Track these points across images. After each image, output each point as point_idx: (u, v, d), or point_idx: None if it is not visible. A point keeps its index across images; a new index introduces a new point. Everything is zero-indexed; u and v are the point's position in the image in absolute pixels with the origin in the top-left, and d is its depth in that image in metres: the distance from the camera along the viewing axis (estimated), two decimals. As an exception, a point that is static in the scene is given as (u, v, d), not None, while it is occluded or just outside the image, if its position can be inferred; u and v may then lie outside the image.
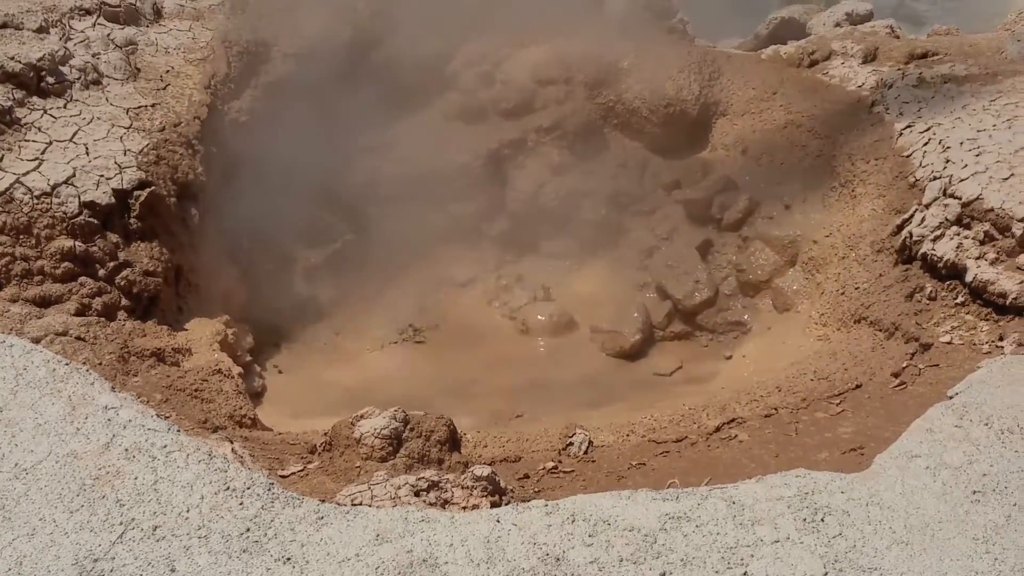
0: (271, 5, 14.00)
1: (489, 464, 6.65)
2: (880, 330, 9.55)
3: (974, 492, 5.15)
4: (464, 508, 5.56)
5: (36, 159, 9.63)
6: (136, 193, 9.93)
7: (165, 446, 5.05)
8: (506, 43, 14.92)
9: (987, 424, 5.72)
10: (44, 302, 9.07)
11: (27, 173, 9.42)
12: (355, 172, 13.62)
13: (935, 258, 9.26)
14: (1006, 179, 9.27)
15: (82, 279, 9.35)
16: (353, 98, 13.35)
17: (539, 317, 13.45)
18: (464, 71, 14.75)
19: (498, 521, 4.85)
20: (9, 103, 10.06)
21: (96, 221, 9.55)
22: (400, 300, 13.61)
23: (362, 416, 6.82)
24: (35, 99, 10.40)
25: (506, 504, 5.71)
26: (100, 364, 8.29)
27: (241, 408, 8.78)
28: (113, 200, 9.69)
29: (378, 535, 4.70)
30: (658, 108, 14.38)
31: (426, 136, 14.13)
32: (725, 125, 14.36)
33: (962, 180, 9.57)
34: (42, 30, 11.32)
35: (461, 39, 14.80)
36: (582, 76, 14.66)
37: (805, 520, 4.88)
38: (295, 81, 13.23)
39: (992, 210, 9.01)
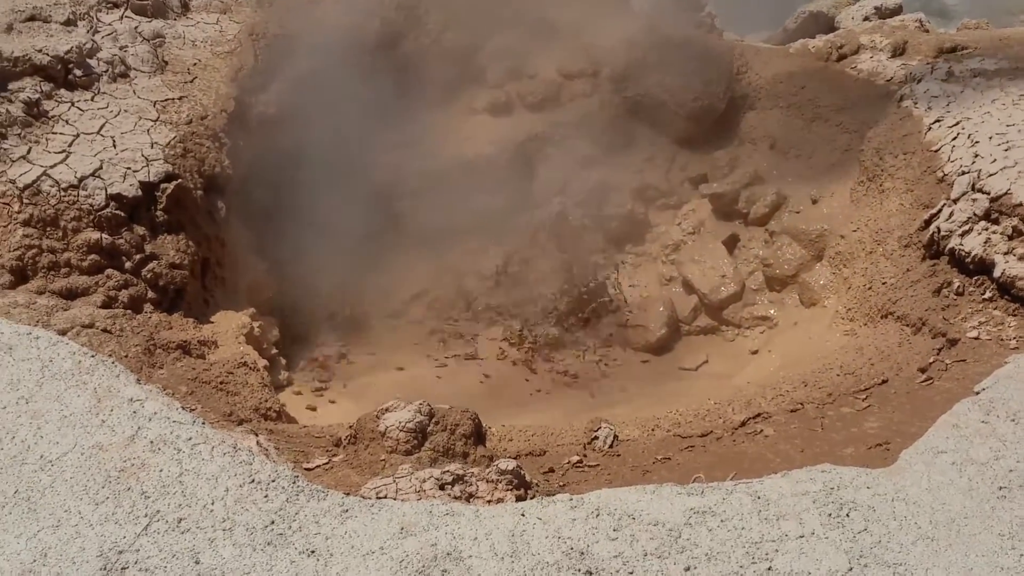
0: (298, -2, 14.04)
1: (514, 458, 6.64)
2: (907, 325, 9.50)
3: (1000, 488, 5.12)
4: (489, 502, 5.55)
5: (63, 151, 9.66)
6: (163, 186, 9.95)
7: (190, 439, 5.06)
8: (533, 37, 14.90)
9: (1014, 420, 5.69)
10: (71, 294, 9.09)
11: (54, 165, 9.45)
12: (382, 165, 13.63)
13: (963, 253, 9.20)
14: (1035, 174, 9.23)
15: (108, 271, 9.37)
16: (380, 91, 13.35)
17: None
18: (491, 64, 14.74)
19: (523, 515, 4.84)
20: (37, 96, 10.09)
21: (123, 214, 9.57)
22: (426, 290, 13.65)
23: (387, 409, 6.82)
24: (63, 92, 10.42)
25: (531, 498, 5.70)
26: (126, 356, 8.31)
27: (266, 401, 8.80)
28: (140, 193, 9.71)
29: (403, 528, 4.71)
30: (685, 102, 14.34)
31: (453, 129, 14.12)
32: (753, 119, 14.32)
33: (991, 175, 9.51)
34: (70, 23, 11.35)
35: (488, 32, 14.78)
36: (609, 70, 14.63)
37: (830, 515, 4.86)
38: (322, 74, 13.23)
39: (1021, 205, 8.95)
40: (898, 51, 14.41)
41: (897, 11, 16.85)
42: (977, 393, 6.20)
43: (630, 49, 14.63)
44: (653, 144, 14.65)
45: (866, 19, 16.72)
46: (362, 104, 13.15)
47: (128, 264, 9.54)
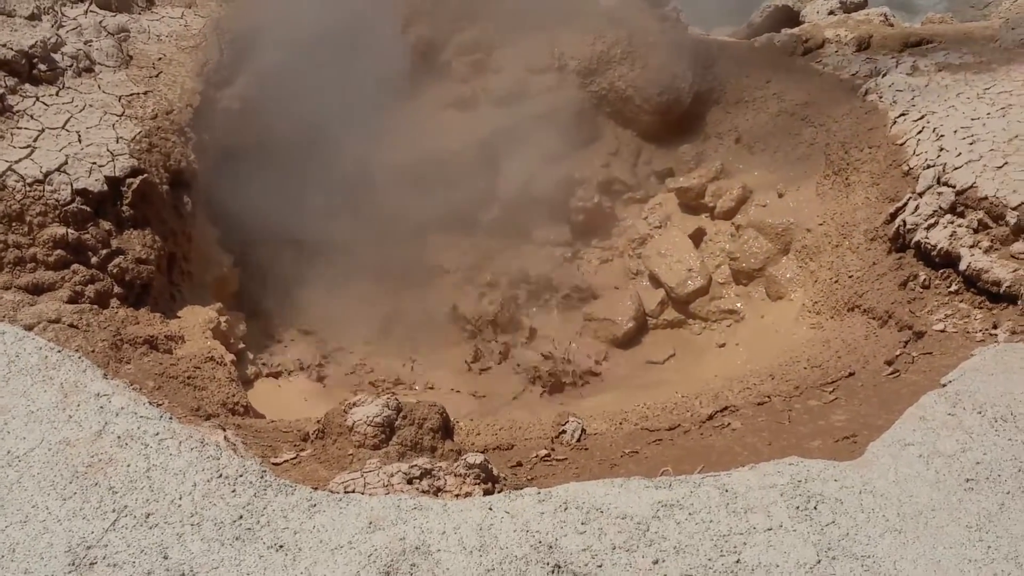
0: (263, -8, 13.99)
1: (482, 452, 6.64)
2: (873, 318, 9.55)
3: (967, 480, 5.15)
4: (457, 496, 5.55)
5: (28, 146, 9.60)
6: (128, 181, 9.90)
7: (157, 433, 5.03)
8: (499, 31, 14.88)
9: (980, 412, 5.72)
10: (37, 289, 9.04)
11: (19, 160, 9.39)
12: (348, 159, 13.58)
13: (929, 246, 9.26)
14: (1000, 167, 9.28)
15: (75, 267, 9.32)
16: (345, 85, 13.30)
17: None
18: (457, 59, 14.71)
19: (491, 509, 4.84)
20: (1, 91, 10.02)
21: (88, 208, 9.51)
22: (388, 289, 13.63)
23: (355, 404, 6.82)
24: (27, 86, 10.35)
25: (499, 492, 5.71)
26: (93, 351, 8.28)
27: (234, 396, 8.78)
28: (105, 187, 9.66)
29: (371, 522, 4.69)
30: (651, 96, 14.36)
31: (419, 124, 14.09)
32: (718, 113, 14.37)
33: (956, 168, 9.57)
34: (34, 17, 11.28)
35: (454, 27, 14.75)
36: (575, 64, 14.62)
37: (798, 508, 4.87)
38: (287, 68, 13.18)
39: (986, 198, 9.02)
40: (863, 45, 14.49)
41: (862, 5, 16.92)
42: (944, 386, 6.23)
43: (595, 43, 14.63)
44: (619, 138, 14.68)
45: (831, 13, 16.78)
46: (327, 98, 13.10)
47: (94, 259, 9.48)
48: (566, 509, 4.81)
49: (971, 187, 9.23)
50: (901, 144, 10.97)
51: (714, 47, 15.20)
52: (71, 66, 10.83)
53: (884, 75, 12.81)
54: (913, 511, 4.90)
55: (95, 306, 9.19)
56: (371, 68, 13.53)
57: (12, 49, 10.35)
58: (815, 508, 4.87)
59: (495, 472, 5.96)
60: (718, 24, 19.99)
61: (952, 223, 9.18)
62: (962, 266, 8.76)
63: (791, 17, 17.61)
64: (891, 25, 15.56)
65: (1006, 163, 9.29)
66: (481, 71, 14.73)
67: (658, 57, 14.55)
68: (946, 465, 5.26)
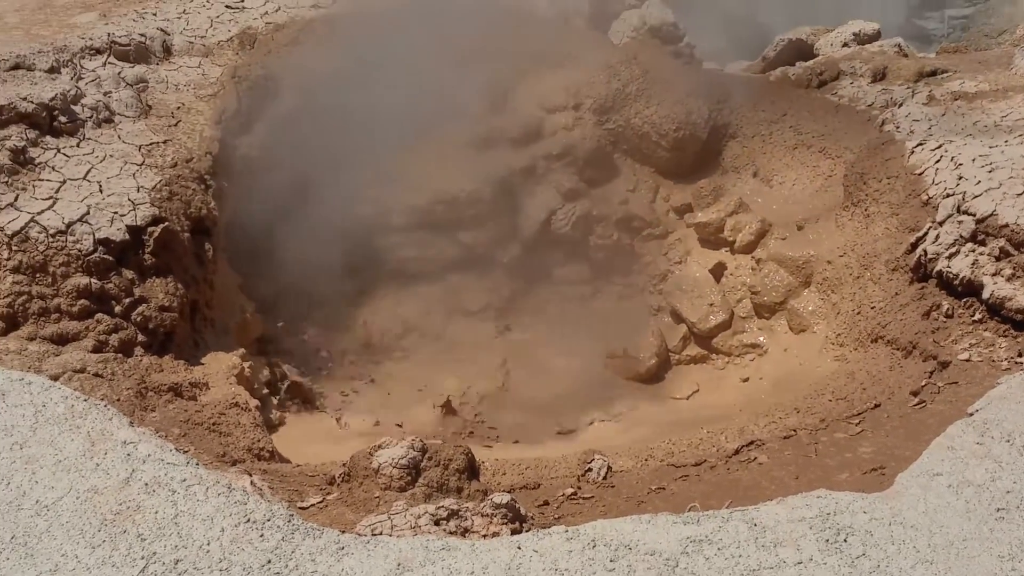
0: (279, 40, 14.06)
1: (508, 491, 6.63)
2: (897, 349, 9.52)
3: (998, 509, 5.12)
4: (484, 536, 5.55)
5: (50, 198, 9.66)
6: (150, 229, 9.95)
7: (184, 480, 5.05)
8: (514, 71, 14.92)
9: (1009, 440, 5.70)
10: (61, 339, 9.08)
11: (42, 212, 9.45)
12: (365, 202, 13.62)
13: (951, 275, 9.23)
14: (1020, 194, 9.26)
15: (98, 316, 9.36)
16: (362, 129, 13.36)
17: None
18: (472, 99, 14.74)
19: (519, 548, 4.83)
20: (23, 143, 10.10)
21: (111, 258, 9.56)
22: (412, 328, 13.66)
23: (380, 446, 6.82)
24: (48, 138, 10.43)
25: (526, 531, 5.70)
26: (118, 400, 8.31)
27: (259, 441, 8.79)
28: (127, 237, 9.71)
29: (399, 564, 4.69)
30: (668, 132, 14.35)
31: (435, 165, 14.12)
32: (735, 148, 14.36)
33: (975, 196, 9.55)
34: (53, 70, 11.38)
35: (468, 68, 14.80)
36: (590, 102, 14.64)
37: (828, 541, 4.85)
38: (305, 114, 13.25)
39: (1007, 226, 8.99)
40: (878, 76, 14.48)
41: (876, 37, 16.92)
42: (971, 415, 6.21)
43: (611, 81, 14.65)
44: (637, 175, 14.66)
45: (845, 45, 16.78)
46: (344, 142, 13.15)
47: (118, 308, 9.52)
48: (594, 547, 4.80)
49: (991, 215, 9.20)
50: (919, 174, 10.94)
51: (729, 82, 15.21)
52: (91, 117, 10.91)
53: (900, 105, 12.82)
54: (944, 542, 4.88)
55: (119, 355, 9.22)
56: (386, 110, 13.58)
57: (33, 102, 10.43)
58: (845, 540, 4.85)
59: (522, 511, 5.96)
60: (732, 59, 20.02)
61: (973, 251, 9.15)
62: (985, 294, 8.73)
63: (805, 50, 17.60)
64: (906, 56, 15.56)
65: (1026, 189, 9.29)
66: (498, 111, 14.75)
67: (673, 93, 14.55)
68: (976, 495, 5.24)
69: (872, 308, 10.59)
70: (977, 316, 8.80)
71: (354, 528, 5.60)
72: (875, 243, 11.17)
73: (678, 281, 13.54)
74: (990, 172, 9.81)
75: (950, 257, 9.35)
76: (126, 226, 9.74)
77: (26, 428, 5.35)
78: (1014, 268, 8.75)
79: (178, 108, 11.91)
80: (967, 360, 8.20)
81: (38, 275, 9.13)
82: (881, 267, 10.80)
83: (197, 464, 5.25)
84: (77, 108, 10.89)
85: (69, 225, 9.42)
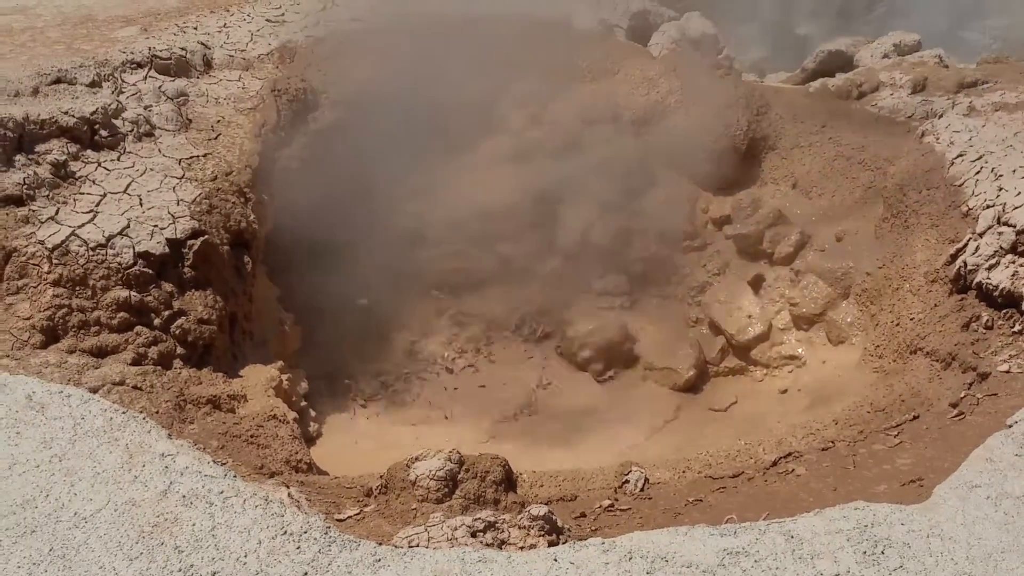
0: (318, 53, 14.12)
1: (545, 503, 6.64)
2: (936, 360, 9.46)
3: (1037, 521, 5.09)
4: (521, 548, 5.55)
5: (91, 211, 9.73)
6: (190, 242, 10.01)
7: (222, 492, 5.08)
8: (553, 83, 14.93)
9: (1048, 452, 5.67)
10: (101, 352, 9.14)
11: (82, 225, 9.52)
12: (405, 215, 13.67)
13: (991, 287, 9.18)
14: (1061, 206, 9.22)
15: (138, 328, 9.42)
16: (401, 142, 13.40)
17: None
18: (511, 112, 14.76)
19: (555, 560, 4.84)
20: (64, 157, 10.19)
21: (151, 271, 9.62)
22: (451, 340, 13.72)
23: (417, 458, 6.84)
24: (89, 152, 10.51)
25: (563, 543, 5.69)
26: (157, 412, 8.36)
27: (297, 453, 8.83)
28: (167, 250, 9.77)
29: (436, 576, 4.70)
30: (706, 144, 14.34)
31: (475, 178, 14.15)
32: (774, 159, 14.32)
33: (1016, 208, 9.50)
34: (95, 84, 11.47)
35: (508, 80, 14.81)
36: (629, 114, 14.64)
37: (865, 553, 4.84)
38: (344, 127, 13.31)
39: (1047, 237, 8.96)
40: (918, 87, 14.44)
41: (916, 48, 16.86)
42: (1010, 427, 6.18)
43: (649, 93, 14.66)
44: (675, 187, 14.65)
45: (885, 56, 16.72)
46: (384, 155, 13.20)
47: (157, 321, 9.59)
48: (631, 559, 4.80)
49: (1032, 226, 9.17)
50: (959, 185, 10.90)
51: (768, 93, 15.17)
52: (132, 131, 10.99)
53: (940, 116, 12.76)
54: (982, 554, 4.85)
55: (158, 367, 9.28)
56: (426, 123, 13.62)
57: (74, 116, 10.52)
58: (882, 553, 4.83)
59: (559, 523, 5.96)
60: (771, 70, 19.99)
61: (1014, 263, 9.10)
62: (1025, 306, 8.70)
63: (845, 61, 17.56)
64: (946, 67, 15.50)
65: (1066, 201, 9.24)
66: (537, 123, 14.77)
67: (712, 105, 14.55)
68: (1015, 507, 5.21)
69: (911, 320, 10.54)
70: (1017, 327, 8.75)
71: (391, 540, 5.61)
72: (914, 255, 11.13)
73: (716, 293, 13.53)
74: (1030, 183, 9.77)
75: (990, 268, 9.30)
76: (166, 239, 9.80)
77: (65, 440, 5.40)
78: (1054, 279, 8.71)
79: (218, 121, 11.98)
80: (1007, 372, 8.15)
81: (78, 288, 9.20)
82: (920, 278, 10.75)
83: (235, 476, 5.28)
84: (118, 122, 10.97)
85: (109, 238, 9.48)
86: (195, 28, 14.18)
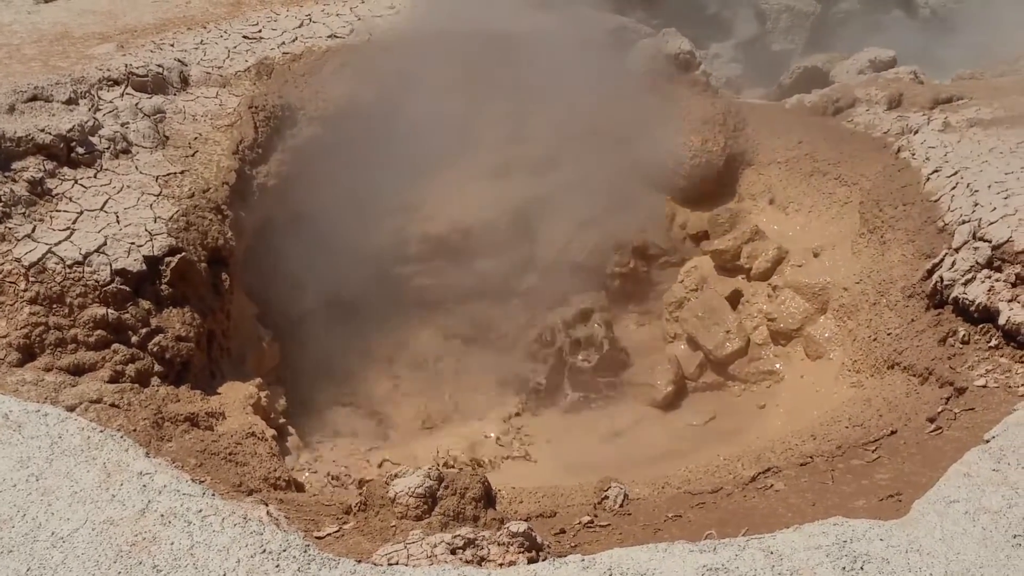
0: (296, 70, 14.12)
1: (525, 520, 6.64)
2: (914, 375, 9.50)
3: (1015, 536, 5.11)
4: (501, 565, 5.55)
5: (68, 229, 9.71)
6: (167, 259, 9.99)
7: (200, 510, 5.06)
8: (531, 100, 14.95)
9: (1025, 467, 5.69)
10: (78, 370, 9.12)
11: (59, 243, 9.50)
12: (382, 232, 13.66)
13: (967, 301, 9.22)
14: (1035, 220, 9.27)
15: (115, 346, 9.40)
16: (378, 159, 13.40)
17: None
18: (489, 128, 14.76)
19: (535, 576, 4.84)
20: (40, 174, 10.16)
21: (128, 288, 9.61)
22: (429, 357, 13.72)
23: (396, 475, 6.84)
24: (66, 169, 10.48)
25: (543, 559, 5.69)
26: (134, 430, 8.33)
27: (275, 470, 8.81)
28: (144, 267, 9.75)
29: (415, 594, 4.70)
30: (683, 160, 14.38)
31: (453, 194, 14.15)
32: (751, 175, 14.35)
33: (991, 223, 9.55)
34: (71, 101, 11.44)
35: (485, 97, 14.82)
36: (607, 130, 14.67)
37: (844, 568, 4.85)
38: (321, 144, 13.31)
39: (1023, 252, 8.98)
40: (894, 103, 14.49)
41: (891, 64, 16.94)
42: (987, 441, 6.20)
43: (627, 109, 14.69)
44: (653, 202, 14.68)
45: (861, 73, 16.79)
46: (361, 172, 13.19)
47: (134, 338, 9.57)
48: (611, 575, 4.80)
49: (1007, 241, 9.20)
50: (935, 200, 10.95)
51: (745, 109, 15.21)
52: (108, 148, 10.96)
53: (916, 132, 12.80)
54: (961, 569, 4.87)
55: (136, 385, 9.26)
56: (403, 140, 13.62)
57: (51, 134, 10.49)
58: (861, 568, 4.84)
59: (539, 540, 5.96)
60: (748, 87, 20.06)
61: (989, 277, 9.15)
62: (1001, 320, 8.73)
63: (821, 77, 17.65)
64: (921, 83, 15.57)
65: (1042, 216, 9.29)
66: (514, 140, 14.78)
67: (690, 121, 14.59)
68: (993, 522, 5.23)
69: (888, 334, 10.57)
70: (993, 342, 8.79)
71: (370, 558, 5.60)
72: (891, 270, 11.16)
73: (694, 308, 13.54)
74: (1006, 199, 9.81)
75: (966, 283, 9.34)
76: (143, 256, 9.78)
77: (42, 460, 5.38)
78: (1030, 294, 8.75)
79: (195, 138, 11.96)
80: (983, 386, 8.20)
81: (55, 306, 9.18)
82: (897, 294, 10.78)
83: (213, 494, 5.27)
84: (95, 139, 10.95)
85: (86, 256, 9.47)
86: (172, 45, 14.15)
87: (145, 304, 9.75)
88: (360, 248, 13.20)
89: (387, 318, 13.65)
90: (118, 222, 10.00)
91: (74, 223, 9.82)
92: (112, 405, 8.74)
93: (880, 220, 11.80)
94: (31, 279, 9.15)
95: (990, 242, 9.36)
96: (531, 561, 5.66)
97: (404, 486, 6.67)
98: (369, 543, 6.27)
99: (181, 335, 9.89)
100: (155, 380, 9.53)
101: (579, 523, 7.41)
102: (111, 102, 11.87)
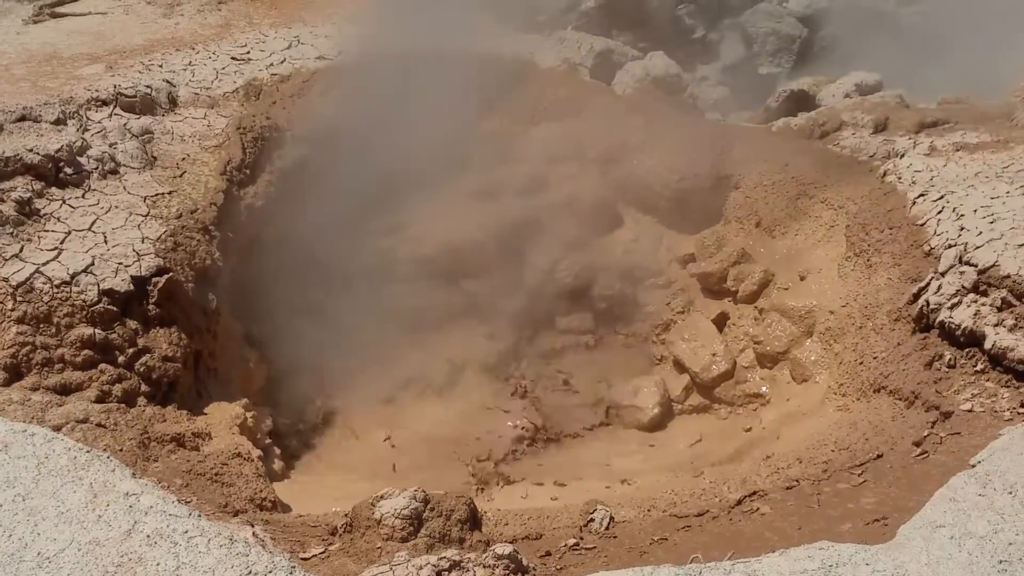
0: (284, 91, 14.15)
1: (510, 542, 6.63)
2: (900, 399, 9.50)
3: (1000, 562, 5.13)
4: (486, 587, 5.54)
5: (55, 249, 9.73)
6: (154, 280, 10.01)
7: (186, 531, 5.06)
8: (518, 122, 14.99)
9: (1011, 492, 5.70)
10: (65, 390, 9.12)
11: (47, 263, 9.51)
12: (371, 252, 13.67)
13: (953, 326, 9.24)
14: (1022, 245, 9.28)
15: (102, 366, 9.41)
16: (366, 179, 13.41)
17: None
18: (477, 150, 14.80)
19: (521, 600, 4.83)
20: (28, 194, 10.17)
21: (115, 308, 9.62)
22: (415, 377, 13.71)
23: (382, 496, 6.83)
24: (54, 190, 10.50)
25: (529, 582, 5.69)
26: (121, 450, 8.32)
27: (262, 491, 8.79)
28: (131, 287, 9.77)
29: (402, 616, 4.69)
30: (670, 183, 14.41)
31: (440, 215, 14.18)
32: (738, 198, 14.36)
33: (977, 247, 9.57)
34: (59, 122, 11.45)
35: (473, 118, 14.85)
36: (594, 153, 14.72)
37: (830, 593, 4.85)
38: (309, 164, 13.33)
39: (1009, 276, 9.01)
40: (880, 127, 14.53)
41: (877, 88, 16.97)
42: (973, 466, 6.22)
43: (614, 132, 14.72)
44: (640, 225, 14.72)
45: (847, 96, 16.82)
46: (349, 192, 13.20)
47: (121, 358, 9.57)
48: (597, 599, 4.81)
49: (993, 265, 9.22)
50: (921, 224, 10.97)
51: (731, 132, 15.26)
52: (96, 168, 10.98)
53: (902, 156, 12.83)
54: (946, 594, 4.88)
55: (122, 405, 9.26)
56: (392, 160, 13.65)
57: (39, 154, 10.51)
58: (847, 592, 4.85)
59: (524, 562, 5.95)
60: (734, 109, 20.10)
61: (975, 302, 9.16)
62: (987, 345, 8.74)
63: (807, 101, 17.68)
64: (907, 107, 15.61)
65: (1028, 240, 9.32)
66: (502, 162, 14.81)
67: (676, 144, 14.62)
68: (978, 547, 5.24)
69: (874, 358, 10.57)
70: (979, 367, 8.80)
71: (356, 579, 5.60)
72: (877, 293, 11.17)
73: (680, 331, 13.56)
74: (992, 223, 9.83)
75: (952, 307, 9.36)
76: (131, 277, 9.80)
77: (29, 480, 5.37)
78: (1016, 319, 8.76)
79: (183, 159, 11.98)
80: (969, 411, 8.20)
81: (42, 326, 9.19)
82: (883, 317, 10.79)
83: (199, 515, 5.26)
84: (83, 159, 10.97)
85: (74, 276, 9.48)
86: (160, 66, 14.19)
87: (132, 324, 9.77)
88: (347, 268, 13.21)
89: (373, 338, 13.63)
90: (106, 242, 10.02)
91: (62, 243, 9.83)
92: (99, 425, 8.73)
93: (866, 244, 11.82)
94: (18, 299, 9.16)
95: (976, 266, 9.38)
96: (517, 583, 5.66)
97: (390, 507, 6.67)
98: (355, 564, 6.26)
99: (168, 355, 9.89)
100: (142, 400, 9.53)
101: (565, 546, 7.40)
102: (99, 123, 11.89)
